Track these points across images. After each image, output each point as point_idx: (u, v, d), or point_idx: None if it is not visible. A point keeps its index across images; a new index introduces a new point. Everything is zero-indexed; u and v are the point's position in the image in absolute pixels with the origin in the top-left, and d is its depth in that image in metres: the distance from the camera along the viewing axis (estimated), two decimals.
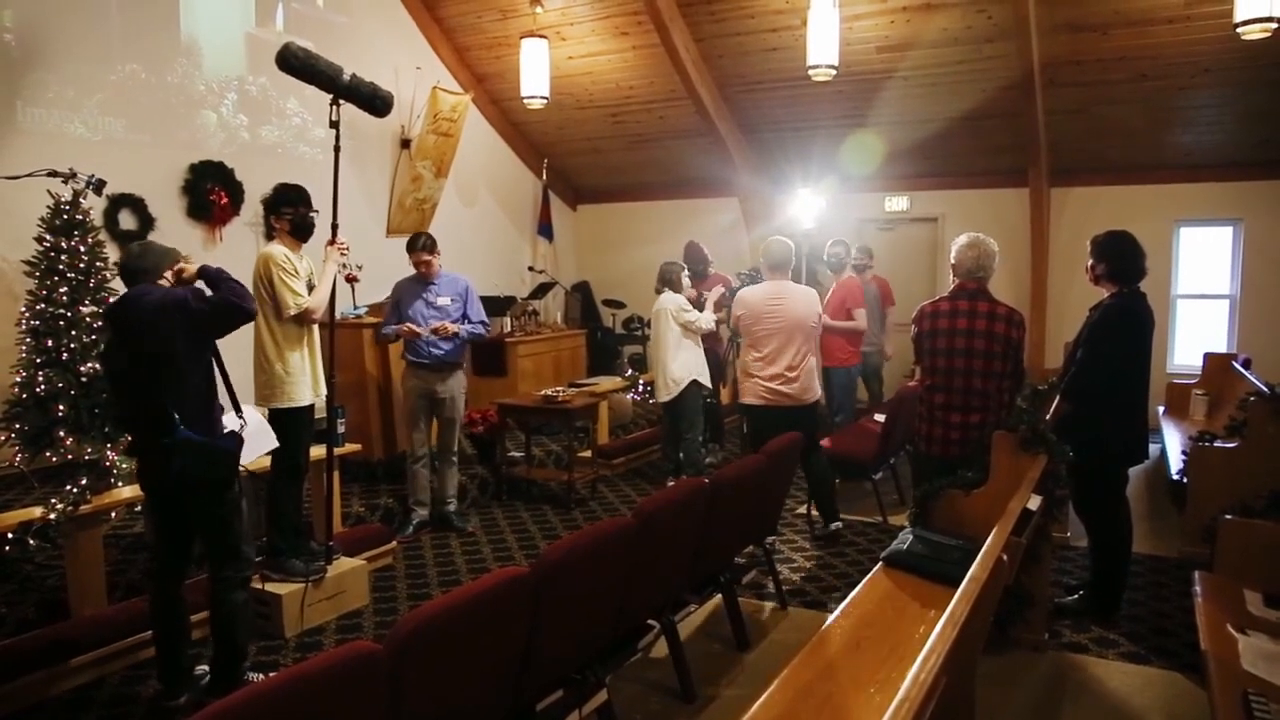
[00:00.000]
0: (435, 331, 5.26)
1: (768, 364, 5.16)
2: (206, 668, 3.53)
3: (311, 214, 4.21)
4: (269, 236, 4.30)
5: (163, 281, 3.28)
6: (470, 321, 5.44)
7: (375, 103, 4.09)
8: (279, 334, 4.09)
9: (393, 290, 5.48)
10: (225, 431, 3.31)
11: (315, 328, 4.28)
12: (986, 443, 3.97)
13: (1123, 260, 4.00)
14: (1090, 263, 4.08)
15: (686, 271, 6.39)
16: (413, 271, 5.41)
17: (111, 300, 3.43)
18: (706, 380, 6.23)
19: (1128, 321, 3.96)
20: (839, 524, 5.45)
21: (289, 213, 4.15)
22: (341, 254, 4.22)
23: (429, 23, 8.87)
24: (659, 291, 6.23)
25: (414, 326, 5.25)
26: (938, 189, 9.42)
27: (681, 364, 6.06)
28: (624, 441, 7.45)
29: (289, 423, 4.09)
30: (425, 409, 5.41)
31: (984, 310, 4.12)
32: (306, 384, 4.17)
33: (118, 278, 5.08)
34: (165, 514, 3.37)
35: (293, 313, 4.04)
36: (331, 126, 3.98)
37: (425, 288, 5.37)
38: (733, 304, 5.46)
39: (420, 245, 5.36)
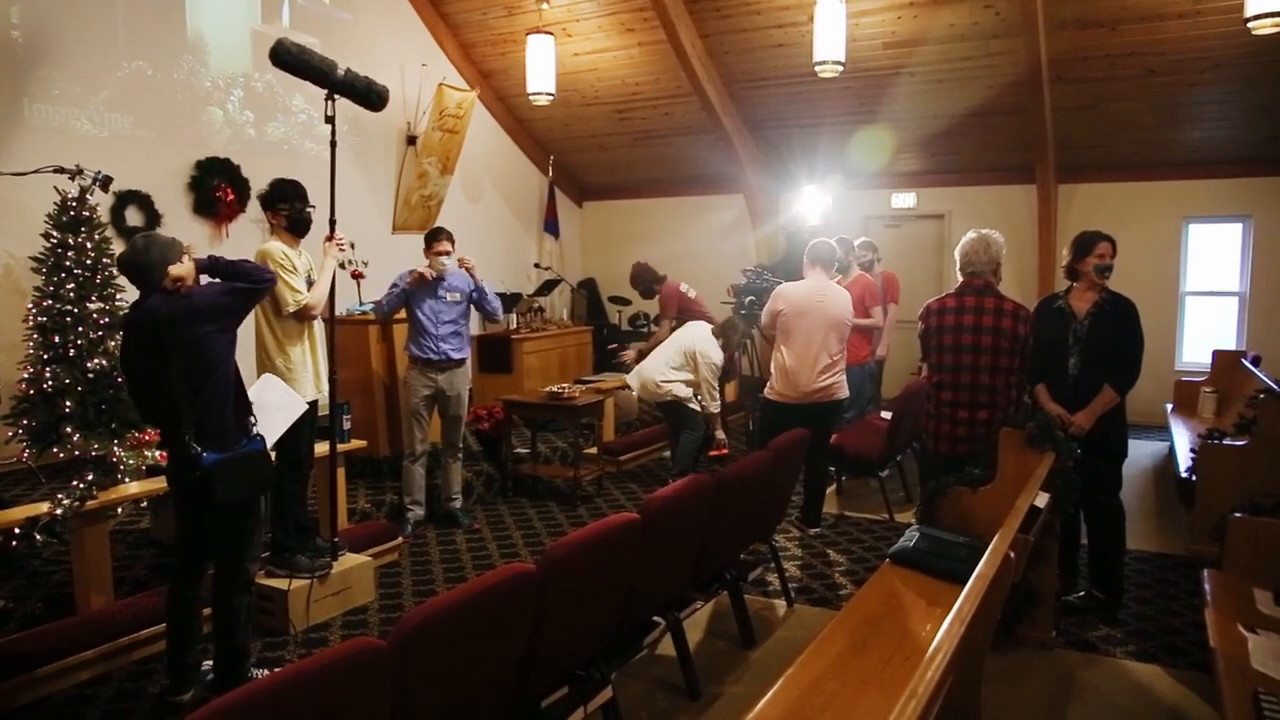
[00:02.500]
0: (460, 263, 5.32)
1: (805, 360, 5.17)
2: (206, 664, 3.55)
3: (308, 209, 4.19)
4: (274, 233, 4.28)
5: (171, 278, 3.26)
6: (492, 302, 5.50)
7: (370, 97, 4.07)
8: (279, 330, 4.08)
9: (399, 278, 5.35)
10: (253, 433, 3.33)
11: (318, 324, 4.27)
12: (994, 439, 3.96)
13: None
14: (1109, 260, 4.09)
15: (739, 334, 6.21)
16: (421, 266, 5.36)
17: (128, 308, 3.38)
18: (691, 404, 6.13)
19: (1138, 313, 4.11)
20: (819, 529, 5.51)
21: (284, 208, 4.14)
22: (340, 250, 4.22)
23: (434, 19, 8.86)
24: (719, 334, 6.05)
25: (423, 271, 5.22)
26: (944, 185, 9.38)
27: (672, 384, 5.98)
28: (630, 438, 7.44)
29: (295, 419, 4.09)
30: (428, 406, 5.39)
31: (990, 306, 4.11)
32: (307, 380, 4.16)
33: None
34: (190, 512, 3.36)
35: (292, 309, 4.03)
36: (327, 121, 3.96)
37: (439, 281, 5.32)
38: (771, 299, 5.40)
39: (446, 235, 5.33)
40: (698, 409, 6.03)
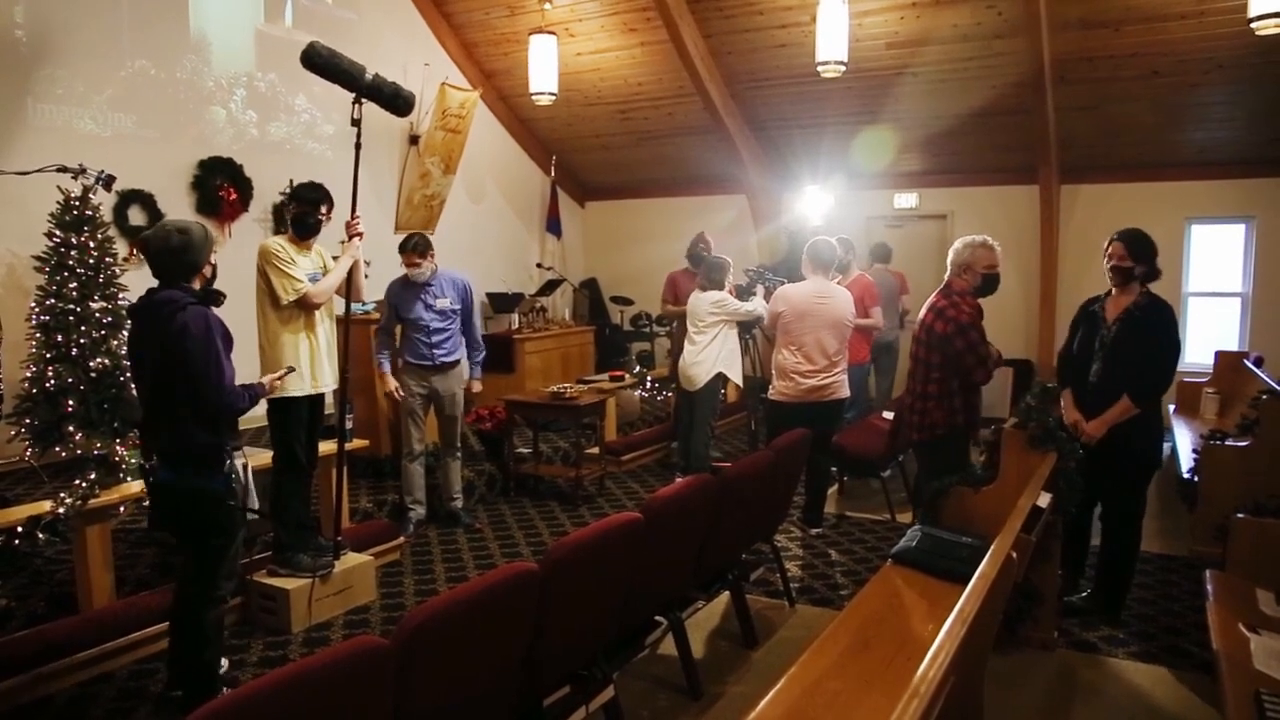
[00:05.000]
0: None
1: (809, 361, 5.19)
2: (223, 663, 3.57)
3: (318, 216, 4.17)
4: (276, 232, 4.30)
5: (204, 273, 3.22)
6: (471, 343, 5.42)
7: (397, 102, 4.11)
8: (275, 323, 4.07)
9: (386, 293, 5.31)
10: (226, 470, 3.18)
11: (326, 322, 4.26)
12: (910, 433, 4.29)
13: (1154, 260, 3.99)
14: (1129, 263, 3.96)
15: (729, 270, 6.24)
16: (403, 273, 5.32)
17: (138, 299, 3.29)
18: (736, 376, 6.16)
19: (1174, 319, 4.00)
20: (820, 529, 5.50)
21: (293, 207, 4.18)
22: (357, 234, 4.24)
23: (437, 19, 8.87)
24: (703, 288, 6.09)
25: (393, 388, 5.26)
26: (947, 186, 9.36)
27: (708, 357, 5.99)
28: (631, 438, 7.44)
29: (282, 414, 4.09)
30: (424, 407, 5.38)
31: (930, 303, 4.33)
32: (302, 375, 4.12)
33: (126, 271, 5.15)
34: None
35: (291, 298, 4.02)
36: (353, 125, 4.00)
37: (423, 289, 5.23)
38: (772, 300, 5.43)
39: (411, 246, 5.20)
40: (722, 389, 6.13)
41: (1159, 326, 3.92)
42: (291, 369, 3.84)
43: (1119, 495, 4.09)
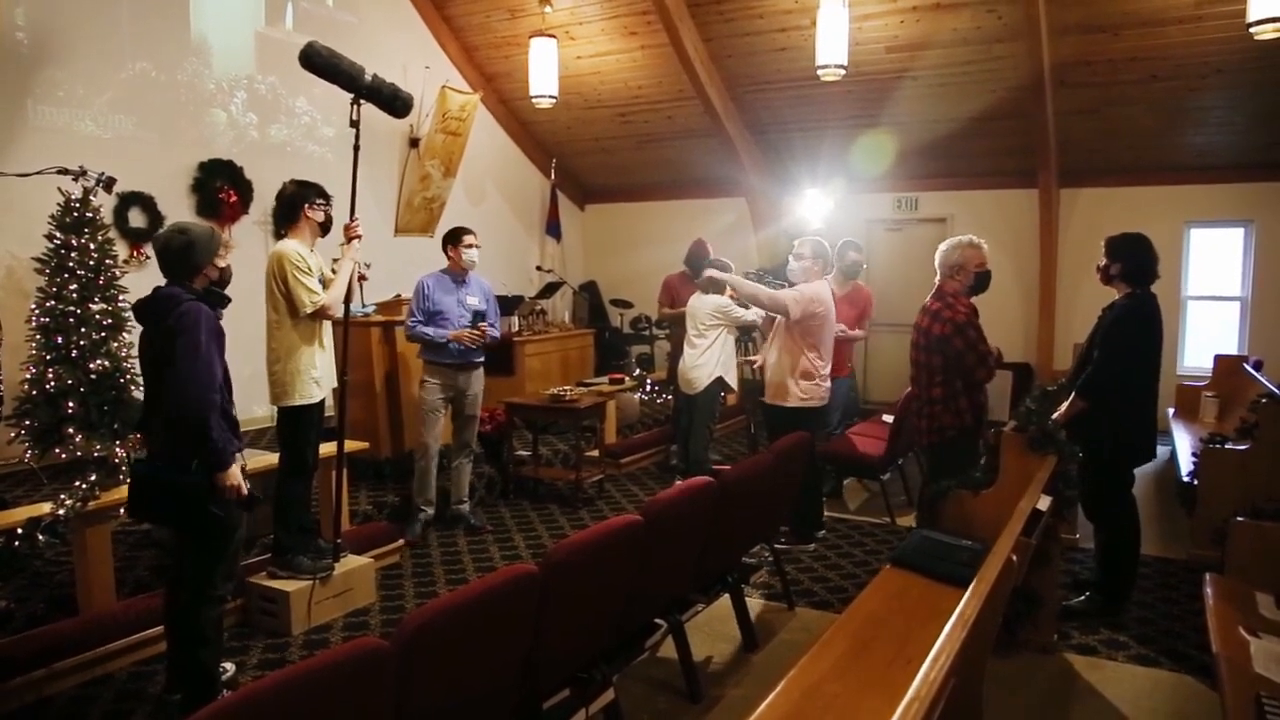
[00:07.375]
0: (479, 341, 5.25)
1: (825, 364, 5.13)
2: (229, 666, 3.57)
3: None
4: (278, 235, 4.28)
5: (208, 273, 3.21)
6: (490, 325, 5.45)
7: (395, 104, 4.12)
8: (293, 335, 4.05)
9: (418, 287, 5.34)
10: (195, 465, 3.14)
11: (327, 324, 4.26)
12: (925, 435, 4.28)
13: (1137, 261, 4.08)
14: (1104, 262, 4.15)
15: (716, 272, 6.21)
16: (439, 267, 5.37)
17: (140, 297, 3.29)
18: (732, 380, 6.14)
19: (1142, 321, 4.03)
20: (814, 546, 5.23)
21: (322, 204, 4.13)
22: (356, 236, 4.21)
23: (437, 22, 8.88)
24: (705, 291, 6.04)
25: (465, 334, 5.21)
26: (946, 190, 9.38)
27: (709, 360, 5.94)
28: (631, 441, 7.44)
29: (299, 420, 4.08)
30: (443, 407, 5.38)
31: (924, 305, 4.39)
32: (315, 381, 4.13)
33: (126, 273, 5.16)
34: None
35: (309, 310, 3.99)
36: (352, 126, 4.01)
37: (458, 286, 5.31)
38: (806, 301, 5.07)
39: (469, 232, 5.38)
40: (732, 386, 6.11)
41: (1114, 325, 4.03)
42: (256, 496, 3.41)
43: (1096, 488, 4.11)
